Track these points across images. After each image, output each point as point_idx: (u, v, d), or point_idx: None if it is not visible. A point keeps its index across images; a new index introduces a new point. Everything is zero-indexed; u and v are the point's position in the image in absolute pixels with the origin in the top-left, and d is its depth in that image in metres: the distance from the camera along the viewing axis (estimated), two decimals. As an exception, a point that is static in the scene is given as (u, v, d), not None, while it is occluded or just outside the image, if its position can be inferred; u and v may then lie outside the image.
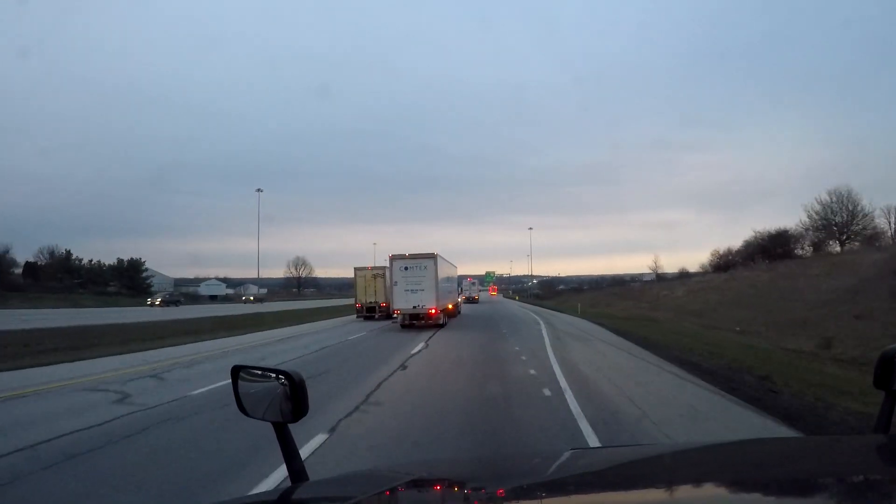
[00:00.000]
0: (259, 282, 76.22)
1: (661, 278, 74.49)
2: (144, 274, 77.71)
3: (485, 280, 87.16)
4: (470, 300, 57.02)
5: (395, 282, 24.93)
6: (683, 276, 68.74)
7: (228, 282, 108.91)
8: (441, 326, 24.09)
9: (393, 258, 25.54)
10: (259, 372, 1.58)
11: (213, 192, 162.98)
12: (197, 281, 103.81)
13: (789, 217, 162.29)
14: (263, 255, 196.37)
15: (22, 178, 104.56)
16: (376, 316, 30.52)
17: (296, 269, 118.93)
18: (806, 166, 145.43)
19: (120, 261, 74.91)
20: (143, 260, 77.33)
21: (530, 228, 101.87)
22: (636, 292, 62.31)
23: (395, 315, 24.91)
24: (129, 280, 73.54)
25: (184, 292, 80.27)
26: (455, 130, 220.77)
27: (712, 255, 66.43)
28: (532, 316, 32.73)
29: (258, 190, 55.13)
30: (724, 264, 59.50)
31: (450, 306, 29.00)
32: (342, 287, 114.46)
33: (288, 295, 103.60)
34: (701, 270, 66.30)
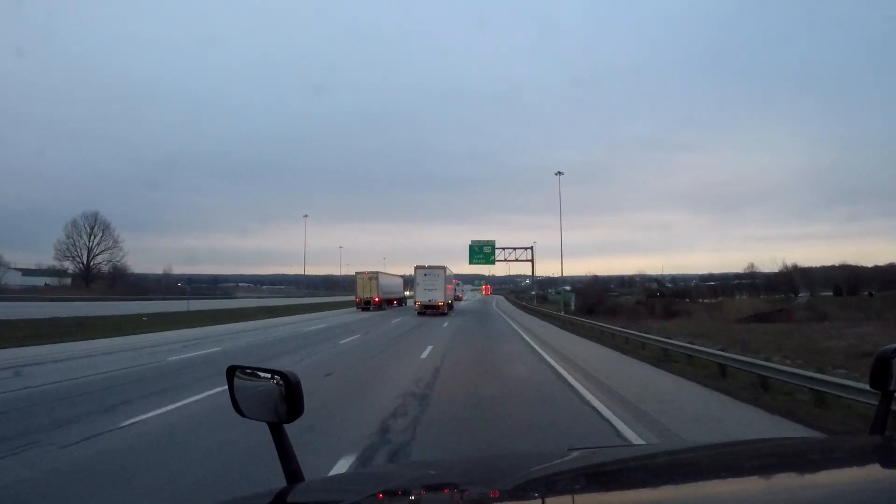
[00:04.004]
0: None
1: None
2: None
3: (471, 260, 48.99)
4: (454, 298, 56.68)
5: (418, 283, 37.65)
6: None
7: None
8: (444, 315, 35.35)
9: (417, 267, 38.01)
10: (254, 372, 1.56)
11: (209, 189, 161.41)
12: None
13: (786, 219, 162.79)
14: (259, 253, 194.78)
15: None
16: (370, 308, 41.62)
17: (73, 245, 58.85)
18: (802, 167, 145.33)
19: None
20: None
21: (559, 173, 45.15)
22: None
23: (416, 305, 37.47)
24: None
25: None
26: (451, 130, 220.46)
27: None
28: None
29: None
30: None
31: (450, 302, 40.75)
32: (315, 286, 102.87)
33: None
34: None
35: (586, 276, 77.17)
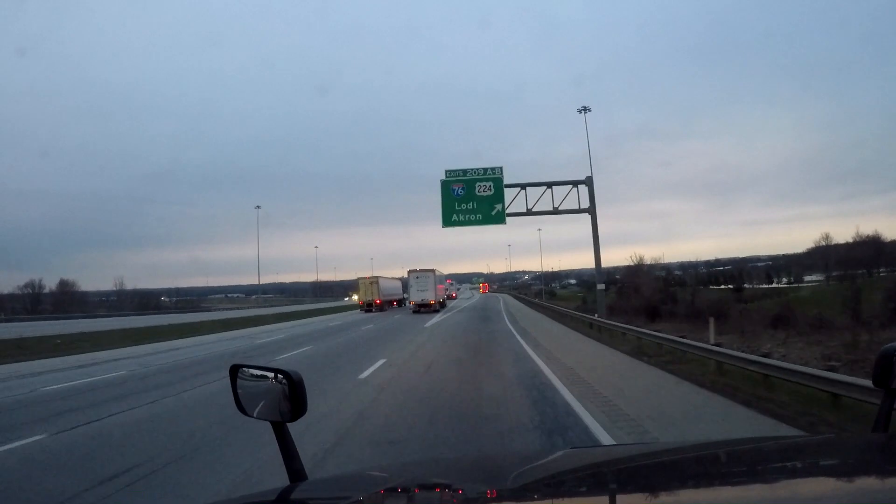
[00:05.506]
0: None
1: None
2: None
3: (447, 218, 23.29)
4: (447, 297, 58.43)
5: (411, 285, 43.18)
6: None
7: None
8: (437, 312, 39.51)
9: (409, 271, 43.83)
10: (258, 371, 1.57)
11: (210, 199, 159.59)
12: None
13: (782, 207, 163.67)
14: (252, 262, 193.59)
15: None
16: (373, 310, 46.37)
17: None
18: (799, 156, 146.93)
19: None
20: None
21: (584, 109, 26.14)
22: None
23: (410, 304, 43.57)
24: None
25: None
26: (452, 129, 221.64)
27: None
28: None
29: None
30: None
31: (441, 300, 46.08)
32: (304, 293, 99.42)
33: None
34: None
35: (588, 269, 66.12)
